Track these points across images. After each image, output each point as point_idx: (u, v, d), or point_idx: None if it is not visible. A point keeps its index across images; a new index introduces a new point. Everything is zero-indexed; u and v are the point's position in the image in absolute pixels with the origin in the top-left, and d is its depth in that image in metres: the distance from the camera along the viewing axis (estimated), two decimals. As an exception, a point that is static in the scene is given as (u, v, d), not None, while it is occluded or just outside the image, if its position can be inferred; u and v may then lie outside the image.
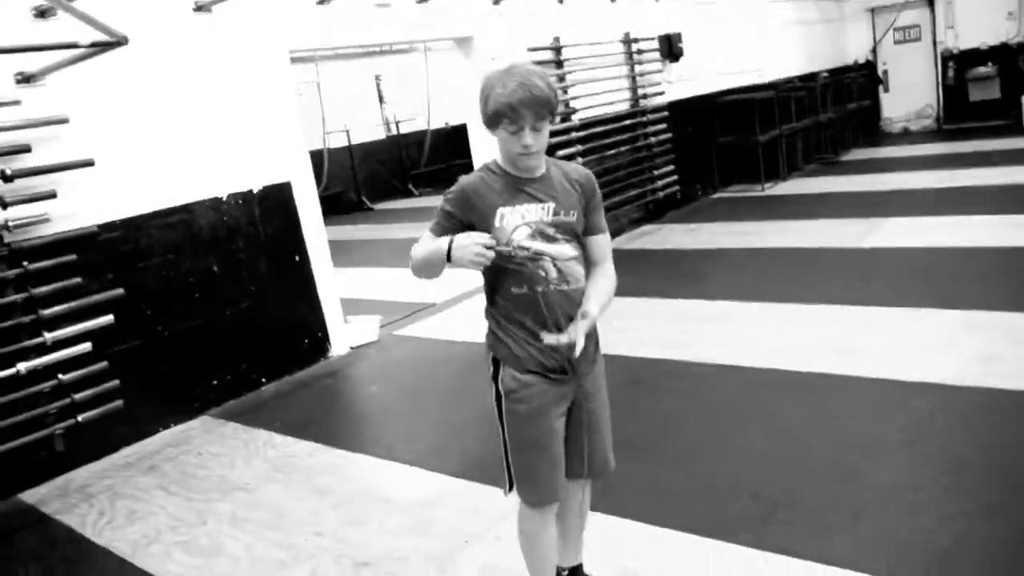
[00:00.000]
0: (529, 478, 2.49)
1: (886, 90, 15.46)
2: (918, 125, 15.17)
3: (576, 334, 2.33)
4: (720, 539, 3.07)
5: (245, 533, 3.74)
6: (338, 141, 15.79)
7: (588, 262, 2.52)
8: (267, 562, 3.45)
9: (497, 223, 2.34)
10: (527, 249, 2.34)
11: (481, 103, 2.32)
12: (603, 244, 2.55)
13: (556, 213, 2.38)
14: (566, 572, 2.82)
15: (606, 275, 2.53)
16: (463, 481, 3.88)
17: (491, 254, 2.25)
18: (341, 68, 15.64)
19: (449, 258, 2.29)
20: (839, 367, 4.54)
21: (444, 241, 2.30)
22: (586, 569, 2.85)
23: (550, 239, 2.37)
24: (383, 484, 4.06)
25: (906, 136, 14.69)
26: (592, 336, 2.49)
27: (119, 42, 3.70)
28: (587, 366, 2.49)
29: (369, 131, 16.89)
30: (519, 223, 2.34)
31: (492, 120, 2.30)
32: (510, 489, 2.53)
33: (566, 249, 2.40)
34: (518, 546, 2.66)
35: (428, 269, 2.41)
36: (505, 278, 2.39)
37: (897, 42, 15.10)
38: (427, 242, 2.38)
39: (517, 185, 2.37)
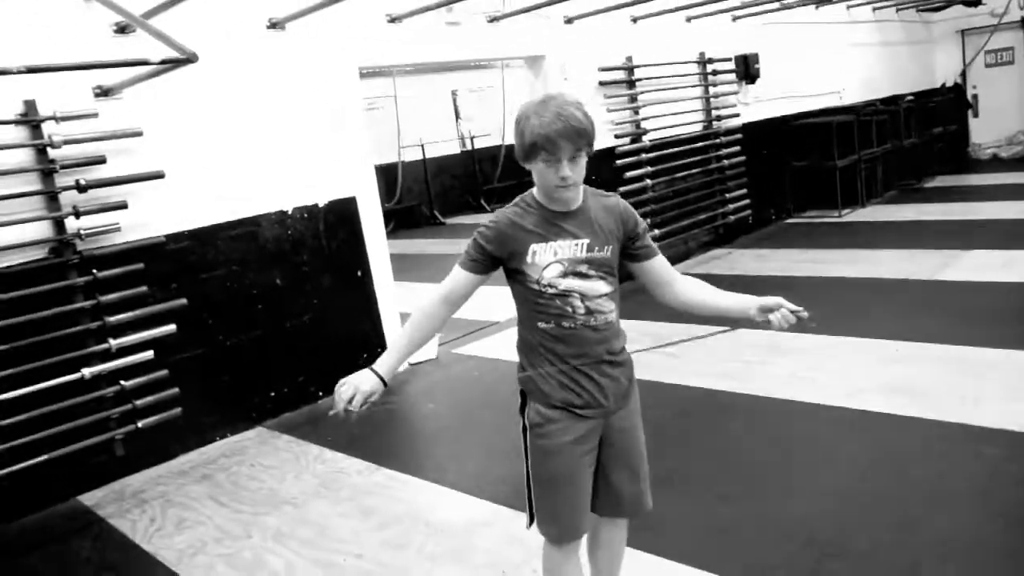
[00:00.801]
0: (550, 515, 2.44)
1: (975, 115, 14.88)
2: (1009, 152, 14.55)
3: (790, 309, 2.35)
4: (767, 587, 2.94)
5: (287, 549, 3.75)
6: (413, 155, 15.98)
7: (661, 282, 2.50)
8: (306, 580, 3.45)
9: (529, 259, 2.31)
10: (555, 287, 2.31)
11: (517, 135, 2.28)
12: (663, 262, 2.51)
13: (590, 249, 2.33)
14: None
15: (699, 281, 2.54)
16: (508, 509, 3.81)
17: (341, 408, 2.32)
18: (418, 83, 15.82)
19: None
20: (906, 408, 4.33)
21: (381, 363, 2.39)
22: (622, 610, 2.75)
23: (583, 276, 2.33)
24: (428, 507, 4.03)
25: (996, 163, 14.10)
26: (626, 371, 2.44)
27: (189, 59, 3.78)
28: (619, 401, 2.42)
29: (444, 146, 17.06)
30: (551, 260, 2.30)
31: (529, 152, 2.25)
32: (531, 523, 2.49)
33: (598, 286, 2.35)
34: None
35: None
36: (534, 312, 2.35)
37: (988, 65, 14.54)
38: (412, 319, 2.45)
39: (552, 220, 2.33)
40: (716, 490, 3.76)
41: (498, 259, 2.35)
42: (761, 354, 5.55)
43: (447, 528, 3.76)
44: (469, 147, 17.56)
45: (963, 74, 14.79)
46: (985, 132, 14.83)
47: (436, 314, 2.43)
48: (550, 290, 2.31)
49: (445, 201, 16.96)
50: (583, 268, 2.33)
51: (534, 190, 2.38)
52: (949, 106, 14.06)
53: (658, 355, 5.59)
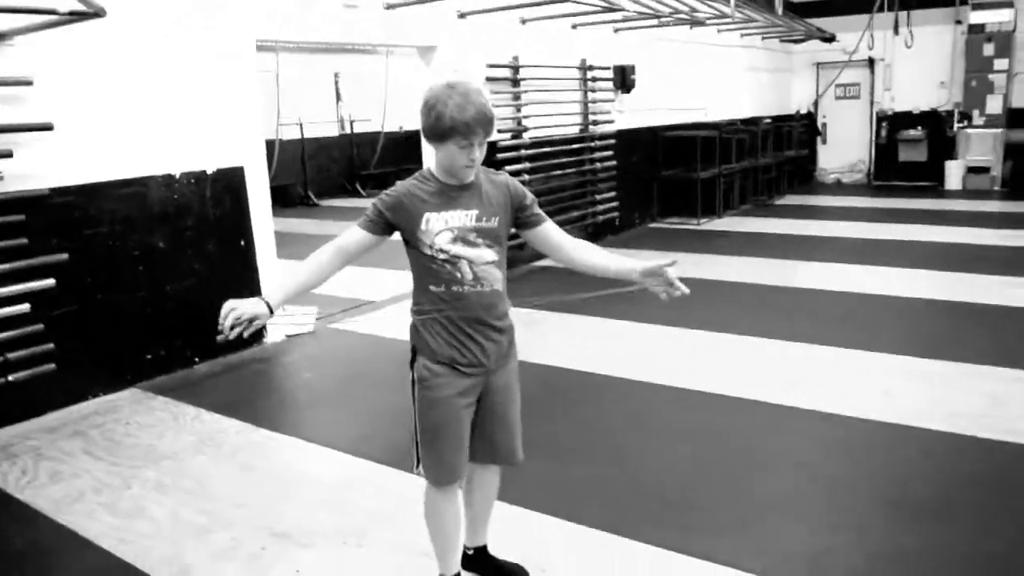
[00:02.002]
0: (433, 459, 2.69)
1: (823, 142, 16.19)
2: (850, 178, 15.92)
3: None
4: (620, 535, 3.33)
5: (169, 499, 3.87)
6: (291, 133, 15.81)
7: (552, 245, 2.75)
8: (188, 526, 3.59)
9: (423, 227, 2.54)
10: (446, 252, 2.56)
11: (428, 116, 2.47)
12: (554, 227, 2.77)
13: (479, 219, 2.58)
14: (472, 551, 3.06)
15: (587, 243, 2.79)
16: (383, 467, 4.07)
17: (227, 328, 2.48)
18: (301, 61, 15.67)
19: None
20: (747, 392, 4.87)
21: (273, 293, 2.60)
22: (494, 552, 3.07)
23: (471, 244, 2.57)
24: (307, 465, 4.23)
25: (838, 187, 15.41)
26: (508, 335, 2.72)
27: (96, 13, 3.83)
28: (499, 361, 2.70)
29: (323, 127, 16.95)
30: (442, 228, 2.55)
31: (443, 134, 2.45)
32: (417, 466, 2.75)
33: (485, 254, 2.60)
34: (426, 528, 2.86)
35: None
36: (426, 276, 2.60)
37: (838, 97, 15.86)
38: (304, 262, 2.66)
39: (447, 192, 2.57)
40: (577, 455, 4.16)
41: (392, 225, 2.58)
42: (622, 342, 6.03)
43: (326, 483, 3.98)
44: (348, 130, 17.54)
45: (815, 103, 16.05)
46: (831, 158, 16.17)
47: (328, 262, 2.63)
48: (441, 255, 2.56)
49: (320, 182, 16.86)
50: (471, 236, 2.58)
51: (431, 166, 2.63)
52: (802, 132, 15.24)
53: (532, 336, 5.95)
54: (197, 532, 3.53)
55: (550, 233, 2.76)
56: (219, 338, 2.52)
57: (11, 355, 4.75)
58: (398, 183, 2.63)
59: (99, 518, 3.71)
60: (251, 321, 2.50)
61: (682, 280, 2.65)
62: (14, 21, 4.57)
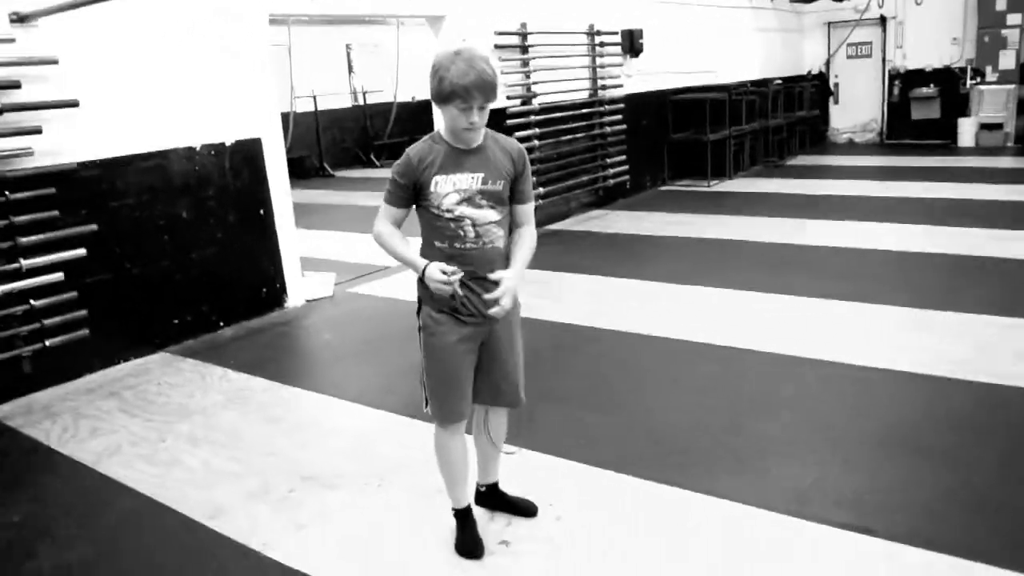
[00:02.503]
0: (437, 400, 2.93)
1: (836, 102, 16.17)
2: (862, 138, 15.92)
3: (498, 292, 2.75)
4: (623, 472, 3.56)
5: (201, 450, 4.13)
6: (304, 106, 15.99)
7: (514, 224, 2.92)
8: (222, 473, 3.86)
9: (432, 188, 2.73)
10: (452, 212, 2.75)
11: (433, 80, 2.64)
12: (527, 211, 2.95)
13: (484, 182, 2.76)
14: (484, 488, 3.29)
15: (526, 238, 2.93)
16: (402, 418, 4.31)
17: (453, 282, 2.67)
18: (312, 33, 15.81)
19: (421, 278, 2.75)
20: (747, 342, 5.07)
21: (419, 263, 2.73)
22: (505, 489, 3.31)
23: (476, 205, 2.76)
24: (330, 416, 4.49)
25: (850, 147, 15.42)
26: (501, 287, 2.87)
27: (117, -7, 4.02)
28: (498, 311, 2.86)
29: (336, 99, 17.12)
30: (450, 190, 2.74)
31: (446, 97, 2.62)
32: (426, 406, 2.99)
33: (488, 214, 2.79)
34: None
35: (393, 256, 2.83)
36: (433, 232, 2.80)
37: (850, 57, 15.80)
38: (395, 238, 2.78)
39: (455, 155, 2.74)
40: (584, 403, 4.38)
41: (411, 186, 2.77)
42: (631, 299, 6.23)
43: (349, 433, 4.23)
44: (361, 102, 17.69)
45: (827, 63, 16.02)
46: (843, 118, 16.15)
47: (394, 229, 2.83)
48: (447, 215, 2.75)
49: (335, 154, 17.08)
50: (477, 198, 2.76)
51: (441, 128, 2.81)
52: (813, 92, 15.24)
53: (543, 294, 6.16)
54: (229, 478, 3.80)
55: (521, 213, 2.92)
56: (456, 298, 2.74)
57: (47, 321, 5.02)
58: (409, 148, 2.80)
59: (137, 468, 3.98)
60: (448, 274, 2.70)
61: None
62: (37, 3, 4.78)
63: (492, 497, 3.30)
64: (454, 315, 2.83)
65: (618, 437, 3.95)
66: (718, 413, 4.15)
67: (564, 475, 3.60)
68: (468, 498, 3.14)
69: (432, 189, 2.73)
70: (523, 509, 3.28)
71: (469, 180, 2.75)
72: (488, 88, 2.64)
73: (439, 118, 2.83)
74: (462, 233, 2.77)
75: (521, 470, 3.54)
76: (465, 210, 2.75)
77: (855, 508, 3.19)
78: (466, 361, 2.89)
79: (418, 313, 2.92)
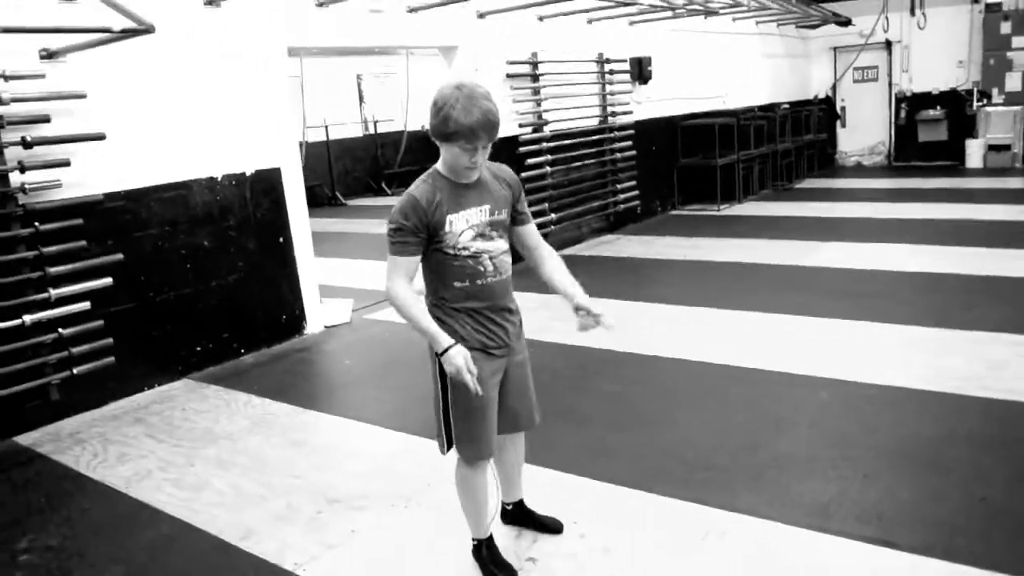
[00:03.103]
0: (472, 439, 2.88)
1: (843, 125, 16.29)
2: (870, 161, 16.02)
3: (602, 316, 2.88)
4: (646, 490, 3.62)
5: (229, 473, 4.21)
6: (316, 136, 16.21)
7: (527, 247, 2.98)
8: (249, 496, 3.93)
9: (447, 228, 2.69)
10: (469, 249, 2.75)
11: (437, 118, 2.60)
12: (535, 229, 3.03)
13: (492, 213, 2.80)
14: (511, 506, 3.35)
15: (554, 255, 3.01)
16: (423, 439, 4.37)
17: (471, 381, 2.63)
18: (324, 65, 16.06)
19: (440, 355, 2.67)
20: (762, 363, 5.13)
21: (443, 340, 2.65)
22: (531, 507, 3.37)
23: (488, 237, 2.79)
24: (353, 439, 4.56)
25: (858, 170, 15.52)
26: (518, 314, 2.97)
27: (147, 30, 4.17)
28: (516, 340, 2.95)
29: (347, 128, 17.34)
30: (464, 227, 2.72)
31: (449, 137, 2.59)
32: (448, 449, 2.94)
33: (500, 244, 2.83)
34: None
35: (412, 325, 2.74)
36: (449, 274, 2.76)
37: (856, 81, 15.94)
38: (415, 306, 2.68)
39: (458, 191, 2.72)
40: (605, 423, 4.44)
41: (424, 230, 2.68)
42: (647, 321, 6.30)
43: (372, 454, 4.30)
44: (372, 131, 17.91)
45: (834, 87, 16.16)
46: (851, 141, 16.26)
47: (411, 292, 2.71)
48: (463, 252, 2.74)
49: (346, 183, 17.27)
50: (487, 230, 2.79)
51: (439, 166, 2.77)
52: (821, 116, 15.37)
53: (555, 317, 6.22)
54: (258, 500, 3.87)
55: (530, 233, 2.99)
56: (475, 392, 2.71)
57: (74, 350, 5.11)
58: (412, 192, 2.70)
59: (167, 491, 4.06)
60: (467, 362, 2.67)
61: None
62: (66, 40, 4.93)
63: (519, 514, 3.35)
64: (485, 351, 2.82)
65: (638, 456, 4.01)
66: (737, 432, 4.20)
67: (586, 493, 3.66)
68: (490, 528, 3.15)
69: (448, 229, 2.70)
70: (549, 526, 3.33)
71: (479, 214, 2.76)
72: (493, 128, 2.62)
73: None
74: (482, 269, 2.77)
75: (544, 489, 3.60)
76: (481, 244, 2.77)
77: (877, 522, 3.24)
78: (495, 396, 2.90)
79: (439, 354, 2.74)
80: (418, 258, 2.74)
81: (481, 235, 2.77)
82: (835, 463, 3.76)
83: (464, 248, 2.74)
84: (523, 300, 3.11)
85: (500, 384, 2.93)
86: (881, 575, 2.93)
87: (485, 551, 3.12)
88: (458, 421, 2.87)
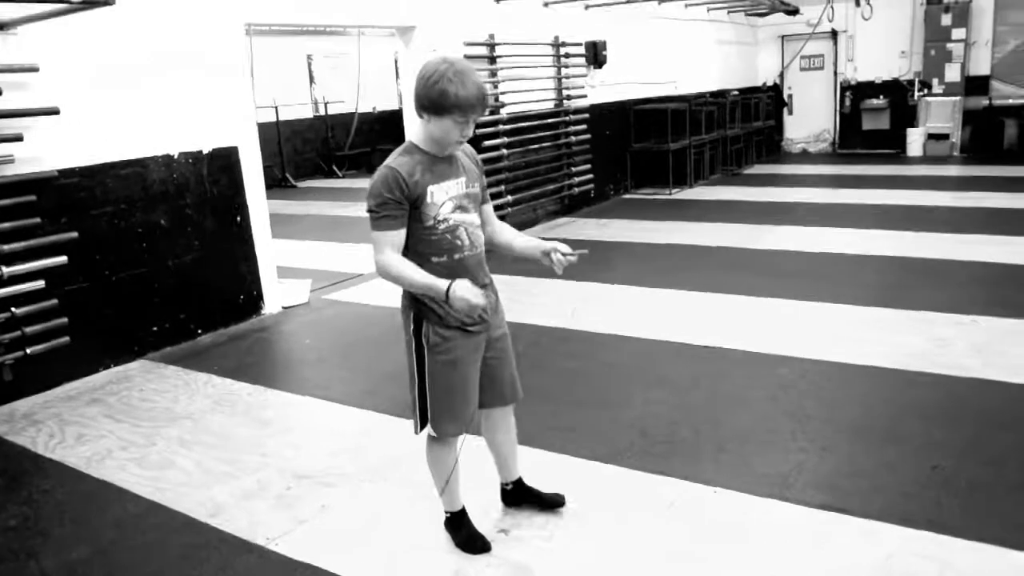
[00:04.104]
0: (449, 416, 2.90)
1: (790, 112, 16.61)
2: (816, 147, 16.38)
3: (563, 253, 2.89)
4: (614, 464, 3.71)
5: (193, 452, 4.18)
6: (266, 116, 15.95)
7: (485, 222, 2.99)
8: (217, 474, 3.92)
9: (428, 199, 2.71)
10: (447, 221, 2.76)
11: (431, 91, 2.59)
12: (491, 209, 3.08)
13: (467, 186, 2.84)
14: (510, 486, 3.37)
15: (504, 225, 3.09)
16: (390, 417, 4.41)
17: (482, 303, 2.64)
18: (274, 44, 15.79)
19: (447, 299, 2.64)
20: (719, 341, 5.27)
21: (441, 284, 2.62)
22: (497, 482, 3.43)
23: (465, 210, 2.83)
24: (320, 417, 4.57)
25: (804, 156, 15.85)
26: (494, 288, 3.00)
27: (105, 2, 4.08)
28: (494, 315, 2.99)
29: (297, 109, 17.10)
30: (445, 198, 2.75)
31: (445, 109, 2.60)
32: (421, 428, 2.98)
33: (475, 218, 2.87)
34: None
35: (409, 287, 2.76)
36: (426, 249, 2.76)
37: (803, 69, 16.25)
38: (407, 266, 2.68)
39: (434, 164, 2.74)
40: (565, 400, 4.52)
41: (408, 202, 2.71)
42: (600, 302, 6.40)
43: (337, 432, 4.32)
44: (322, 112, 17.70)
45: (781, 75, 16.45)
46: (797, 128, 16.59)
47: (402, 258, 2.73)
48: (442, 225, 2.76)
49: (297, 164, 17.06)
50: (465, 202, 2.83)
51: (415, 139, 2.78)
52: (769, 103, 15.64)
53: (523, 300, 6.29)
54: (225, 478, 3.86)
55: (489, 212, 3.04)
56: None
57: (28, 329, 5.01)
58: (390, 164, 2.70)
59: (130, 471, 4.02)
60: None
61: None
62: (17, 11, 4.80)
63: (519, 493, 3.37)
64: (462, 328, 2.83)
65: (600, 431, 4.10)
66: (698, 407, 4.32)
67: (552, 467, 3.73)
68: (461, 501, 3.18)
69: (428, 200, 2.71)
70: (551, 502, 3.34)
71: (456, 186, 2.80)
72: (487, 102, 2.70)
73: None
74: (459, 242, 2.80)
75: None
76: (459, 216, 2.79)
77: (833, 491, 3.38)
78: (476, 372, 2.94)
79: (416, 332, 2.83)
80: (403, 231, 2.73)
81: (460, 207, 2.80)
82: (794, 436, 3.90)
83: (444, 220, 2.75)
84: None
85: (482, 360, 2.97)
86: (836, 539, 3.06)
87: (458, 523, 3.17)
88: (436, 398, 2.89)
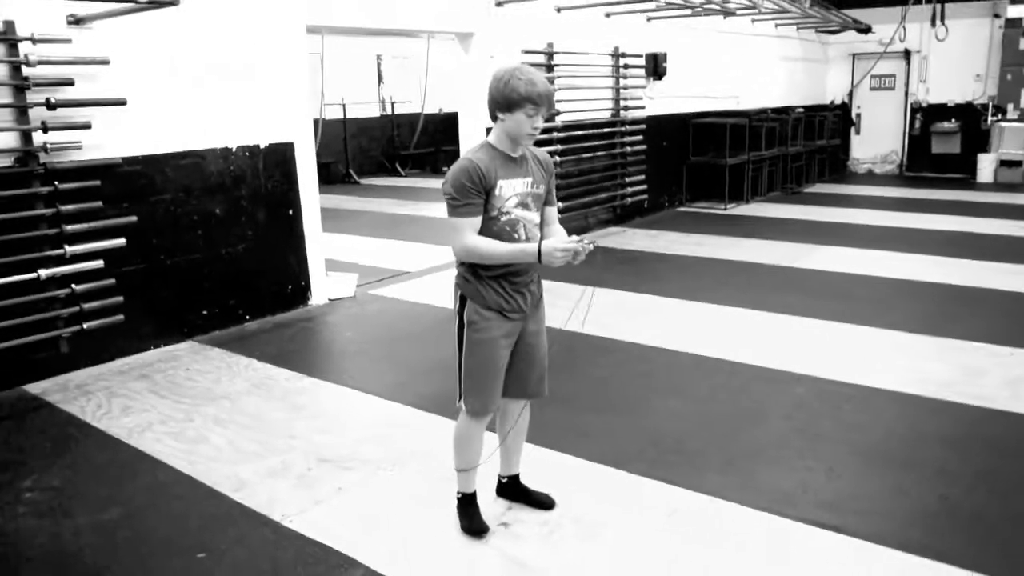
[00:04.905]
0: (476, 391, 3.12)
1: (857, 132, 16.36)
2: (882, 169, 16.10)
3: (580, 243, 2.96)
4: (622, 469, 3.80)
5: (227, 430, 4.41)
6: (333, 113, 16.37)
7: (546, 222, 3.19)
8: (245, 452, 4.13)
9: (497, 192, 2.96)
10: (509, 215, 2.99)
11: (504, 89, 2.87)
12: (555, 211, 3.27)
13: (533, 186, 3.05)
14: (507, 480, 3.51)
15: (562, 230, 3.22)
16: (417, 410, 4.57)
17: (576, 251, 2.82)
18: (345, 43, 16.20)
19: (539, 259, 2.87)
20: (746, 357, 5.30)
21: (531, 248, 2.87)
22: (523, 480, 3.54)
23: (527, 207, 3.05)
24: (349, 406, 4.76)
25: (869, 177, 15.60)
26: (540, 286, 3.19)
27: (171, 2, 4.34)
28: (533, 309, 3.17)
29: (365, 107, 17.50)
30: (511, 194, 2.99)
31: (516, 104, 2.86)
32: (460, 399, 3.18)
33: (535, 216, 3.09)
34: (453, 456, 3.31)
35: (501, 260, 2.96)
36: (487, 236, 2.96)
37: (873, 88, 16.00)
38: (494, 243, 2.91)
39: (507, 162, 2.99)
40: (587, 405, 4.62)
41: (484, 195, 2.94)
42: (642, 313, 6.47)
43: (366, 421, 4.50)
44: (389, 112, 18.07)
45: (850, 94, 16.22)
46: (864, 149, 16.34)
47: (484, 239, 2.96)
48: (504, 217, 2.98)
49: (361, 162, 17.45)
50: (528, 201, 3.05)
51: (491, 139, 3.01)
52: (835, 121, 15.43)
53: (553, 307, 6.39)
54: (252, 456, 4.07)
55: (552, 213, 3.24)
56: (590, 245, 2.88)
57: (86, 306, 5.31)
58: (468, 157, 2.95)
59: (166, 443, 4.26)
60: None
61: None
62: (93, 7, 5.11)
63: (513, 489, 3.51)
64: (501, 313, 3.05)
65: (614, 437, 4.19)
66: (715, 420, 4.37)
67: (561, 468, 3.84)
68: (475, 484, 3.35)
69: (497, 192, 2.96)
70: (542, 502, 3.48)
71: (523, 184, 3.03)
72: (552, 98, 2.95)
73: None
74: (516, 236, 3.02)
75: (528, 464, 3.76)
76: (520, 212, 3.02)
77: (835, 511, 3.41)
78: (505, 356, 3.13)
79: (460, 311, 3.08)
80: (479, 218, 2.95)
81: (522, 204, 3.02)
82: (803, 455, 3.93)
83: (507, 213, 2.98)
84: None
85: (514, 350, 3.15)
86: (831, 559, 3.10)
87: (466, 505, 3.33)
88: (468, 373, 3.11)
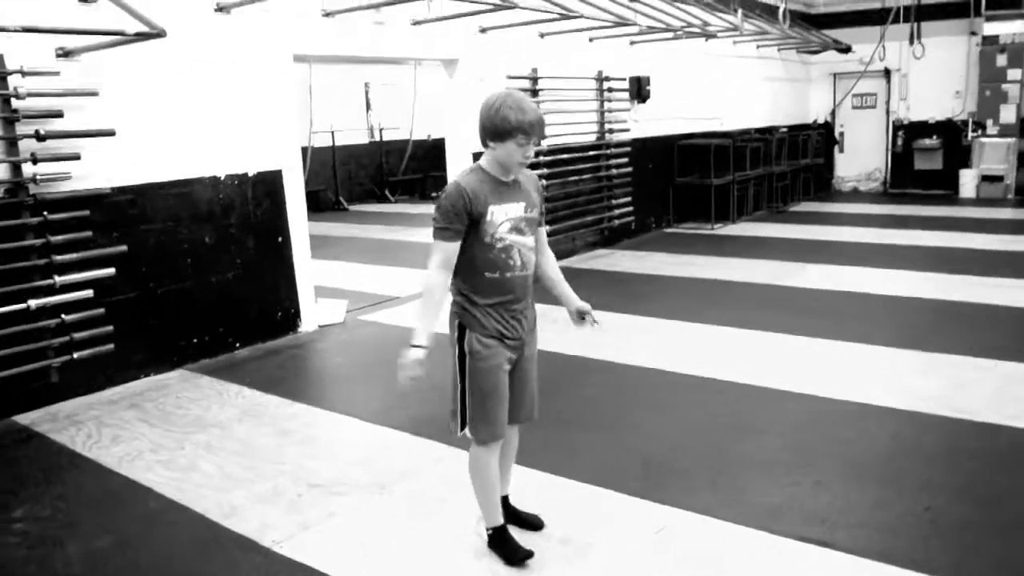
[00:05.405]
0: (486, 420, 3.10)
1: (841, 150, 16.53)
2: (867, 186, 16.26)
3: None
4: (610, 488, 3.83)
5: (217, 457, 4.42)
6: (322, 141, 16.46)
7: (539, 249, 3.22)
8: (236, 478, 4.14)
9: (488, 218, 2.97)
10: (504, 240, 3.00)
11: (492, 119, 2.88)
12: (545, 233, 3.31)
13: (526, 210, 3.07)
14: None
15: (555, 262, 3.32)
16: (407, 434, 4.60)
17: (402, 379, 2.94)
18: (332, 71, 16.31)
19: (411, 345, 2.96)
20: (734, 376, 5.34)
21: (420, 339, 2.95)
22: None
23: (521, 232, 3.05)
24: (339, 432, 4.78)
25: (854, 195, 15.75)
26: (534, 311, 3.21)
27: (159, 34, 4.41)
28: (529, 334, 3.19)
29: (353, 135, 17.59)
30: (504, 219, 3.00)
31: (506, 134, 2.87)
32: (462, 429, 3.15)
33: (529, 240, 3.10)
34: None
35: (418, 304, 3.08)
36: (482, 264, 3.00)
37: (855, 107, 16.20)
38: (438, 305, 3.00)
39: (499, 187, 3.01)
40: (576, 425, 4.65)
41: (468, 219, 2.96)
42: (631, 333, 6.51)
43: (356, 445, 4.52)
44: (377, 138, 18.17)
45: (833, 113, 16.41)
46: (848, 167, 16.51)
47: (444, 282, 3.02)
48: (498, 244, 2.99)
49: (350, 188, 17.52)
50: (522, 225, 3.06)
51: (483, 164, 3.03)
52: (819, 140, 15.60)
53: (542, 330, 6.43)
54: (243, 483, 4.08)
55: (542, 237, 3.26)
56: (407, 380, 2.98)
57: (76, 335, 5.33)
58: (457, 181, 2.97)
59: (157, 472, 4.27)
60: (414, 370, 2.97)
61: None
62: (82, 40, 5.17)
63: (503, 510, 3.45)
64: (501, 339, 3.06)
65: (602, 456, 4.22)
66: (703, 438, 4.41)
67: (551, 489, 3.87)
68: (502, 516, 3.32)
69: (488, 218, 2.95)
70: (530, 523, 3.49)
71: (517, 208, 3.04)
72: (543, 126, 2.96)
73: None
74: (511, 262, 3.03)
75: (526, 487, 3.78)
76: (514, 237, 3.03)
77: (820, 525, 3.44)
78: (507, 382, 3.13)
79: (460, 340, 3.06)
80: (458, 244, 2.96)
81: (516, 228, 3.02)
82: (791, 470, 3.97)
83: (500, 239, 2.99)
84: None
85: (510, 376, 3.15)
86: (815, 572, 3.13)
87: (501, 539, 3.28)
88: (475, 403, 3.09)
